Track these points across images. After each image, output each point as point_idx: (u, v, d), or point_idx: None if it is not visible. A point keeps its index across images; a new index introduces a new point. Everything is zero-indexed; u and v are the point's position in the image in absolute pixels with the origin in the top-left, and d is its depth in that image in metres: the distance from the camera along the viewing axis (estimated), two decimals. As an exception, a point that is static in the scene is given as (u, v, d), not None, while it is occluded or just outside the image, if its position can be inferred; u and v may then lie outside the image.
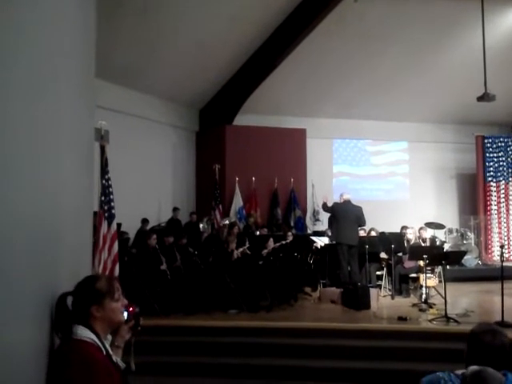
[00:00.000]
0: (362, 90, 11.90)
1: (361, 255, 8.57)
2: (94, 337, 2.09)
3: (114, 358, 2.18)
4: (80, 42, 2.82)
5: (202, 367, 5.74)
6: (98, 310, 2.13)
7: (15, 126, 1.79)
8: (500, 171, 13.00)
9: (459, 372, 2.26)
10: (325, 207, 9.15)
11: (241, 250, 8.16)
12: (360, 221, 8.64)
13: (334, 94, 12.10)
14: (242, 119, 12.33)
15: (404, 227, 9.73)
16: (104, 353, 2.11)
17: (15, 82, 1.79)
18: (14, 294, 1.76)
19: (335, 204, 8.95)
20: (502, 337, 2.24)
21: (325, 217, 11.41)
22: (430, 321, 6.53)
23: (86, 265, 2.95)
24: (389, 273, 8.84)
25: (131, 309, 2.32)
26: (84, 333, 2.08)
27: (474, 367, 1.89)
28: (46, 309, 2.10)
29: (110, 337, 2.26)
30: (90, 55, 3.18)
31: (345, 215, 8.59)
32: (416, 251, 8.06)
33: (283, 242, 8.89)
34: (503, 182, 12.98)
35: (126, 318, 2.28)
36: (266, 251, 8.45)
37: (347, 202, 8.76)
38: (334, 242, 8.76)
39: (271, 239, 8.85)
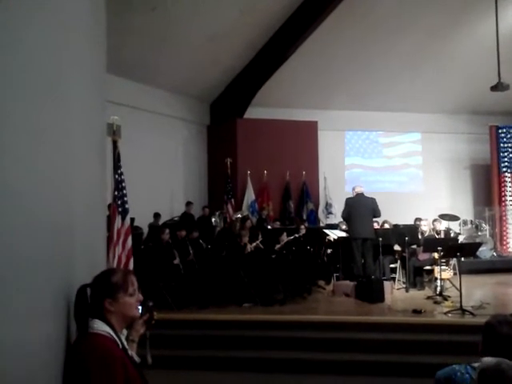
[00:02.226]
0: (373, 81, 11.80)
1: (374, 248, 8.52)
2: (110, 330, 2.10)
3: (129, 351, 2.19)
4: (90, 37, 2.82)
5: (216, 361, 5.76)
6: (112, 303, 2.13)
7: (26, 122, 1.79)
8: (515, 161, 12.84)
9: (475, 364, 2.25)
10: (342, 217, 8.92)
11: (254, 244, 8.16)
12: (375, 213, 8.48)
13: (345, 86, 12.01)
14: (253, 112, 12.30)
15: (418, 219, 9.68)
16: (120, 346, 2.12)
17: (25, 77, 1.78)
18: (30, 290, 1.76)
19: (348, 200, 8.65)
20: None
21: (338, 210, 11.35)
22: (445, 313, 6.49)
23: (100, 259, 2.96)
24: (403, 265, 8.79)
25: (145, 303, 2.33)
26: (100, 326, 2.09)
27: (488, 359, 1.86)
28: (62, 303, 2.11)
29: (125, 331, 2.27)
30: (101, 50, 3.17)
31: (359, 209, 8.38)
32: (430, 243, 7.99)
33: (296, 236, 8.88)
34: (518, 172, 12.82)
35: (140, 311, 2.29)
36: (278, 246, 8.44)
37: (360, 195, 8.57)
38: (348, 236, 8.67)
39: (285, 233, 8.84)
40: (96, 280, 2.20)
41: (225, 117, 12.42)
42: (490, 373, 1.80)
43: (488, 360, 1.87)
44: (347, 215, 8.52)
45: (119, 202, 5.45)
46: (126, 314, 2.19)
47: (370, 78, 11.74)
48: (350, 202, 8.55)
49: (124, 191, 5.54)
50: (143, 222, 9.50)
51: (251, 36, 10.55)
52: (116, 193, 5.46)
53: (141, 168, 9.83)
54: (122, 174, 5.54)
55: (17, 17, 1.73)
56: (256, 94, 11.88)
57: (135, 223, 8.76)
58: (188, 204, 11.19)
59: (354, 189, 8.79)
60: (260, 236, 8.44)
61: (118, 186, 5.49)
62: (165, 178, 11.18)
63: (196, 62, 10.57)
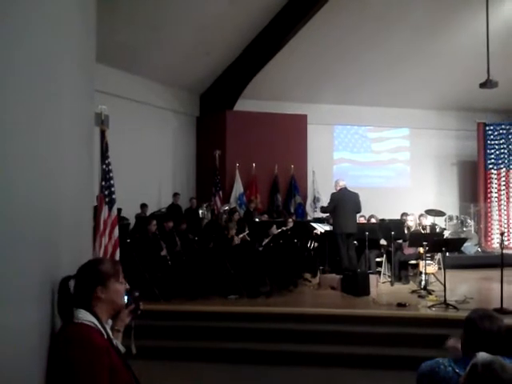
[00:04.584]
0: (363, 76, 11.82)
1: (360, 242, 8.57)
2: (95, 320, 2.11)
3: (114, 341, 2.19)
4: (79, 26, 2.79)
5: (201, 352, 5.77)
6: (103, 291, 2.16)
7: (14, 111, 1.78)
8: (501, 158, 12.96)
9: (458, 358, 2.27)
10: (324, 209, 8.98)
11: (241, 236, 8.17)
12: (358, 207, 8.54)
13: (335, 80, 12.02)
14: (242, 104, 12.27)
15: (404, 214, 9.74)
16: (105, 336, 2.12)
17: (12, 66, 1.76)
18: (15, 278, 1.76)
19: (334, 195, 8.57)
20: (498, 322, 2.24)
21: (325, 204, 11.36)
22: (429, 307, 6.56)
23: (86, 249, 2.95)
24: (388, 259, 8.86)
25: (131, 292, 2.34)
26: (85, 316, 2.10)
27: (484, 355, 1.86)
28: (47, 292, 2.11)
29: (110, 321, 2.28)
30: (91, 39, 3.14)
31: (343, 204, 8.35)
32: (416, 238, 8.07)
33: (284, 229, 8.90)
34: (504, 169, 12.95)
35: (126, 301, 2.31)
36: (266, 241, 8.43)
37: (344, 190, 8.54)
38: (332, 230, 8.69)
39: (274, 226, 8.85)
40: (84, 269, 2.21)
41: (214, 108, 12.38)
42: (480, 369, 1.81)
43: (483, 356, 1.86)
44: (332, 210, 8.53)
45: (106, 192, 5.42)
46: (116, 301, 2.23)
47: (360, 73, 11.76)
48: (336, 197, 8.51)
49: (111, 181, 5.51)
50: (130, 212, 9.46)
51: (242, 28, 10.50)
52: (103, 183, 5.43)
53: (128, 158, 9.76)
54: (109, 164, 5.50)
55: (4, 6, 1.71)
56: (246, 86, 11.84)
57: (122, 213, 8.72)
58: (175, 195, 11.17)
59: (337, 183, 8.70)
60: (247, 228, 8.44)
61: (106, 176, 5.46)
62: (153, 169, 11.12)
63: (186, 53, 10.51)
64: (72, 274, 2.19)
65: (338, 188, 8.61)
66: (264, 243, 8.41)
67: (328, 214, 9.79)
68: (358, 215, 9.00)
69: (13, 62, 1.75)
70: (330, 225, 9.31)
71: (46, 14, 2.12)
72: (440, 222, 11.30)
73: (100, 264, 2.24)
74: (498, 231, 12.46)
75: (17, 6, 1.79)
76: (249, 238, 8.29)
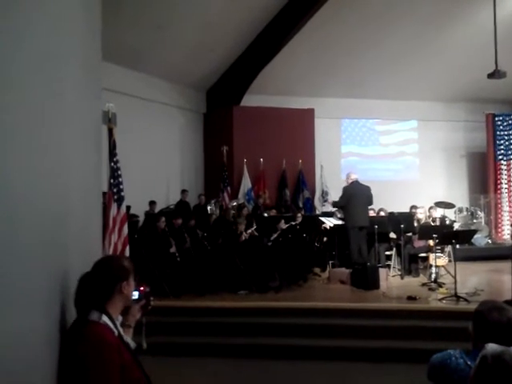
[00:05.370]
0: (370, 69, 11.75)
1: (370, 235, 8.54)
2: (105, 318, 2.12)
3: (125, 338, 2.20)
4: (83, 25, 2.80)
5: (211, 348, 5.80)
6: (125, 286, 2.21)
7: (23, 111, 1.78)
8: (511, 149, 12.86)
9: (469, 350, 2.26)
10: (337, 204, 8.87)
11: (249, 231, 8.17)
12: (370, 200, 8.50)
13: (342, 74, 11.95)
14: (249, 100, 12.25)
15: (413, 207, 9.66)
16: (116, 333, 2.13)
17: (13, 65, 1.76)
18: (20, 281, 1.74)
19: (347, 188, 8.49)
20: (508, 313, 2.23)
21: (334, 198, 11.31)
22: (440, 300, 6.54)
23: (96, 246, 2.96)
24: (398, 253, 8.82)
25: (142, 288, 2.36)
26: (96, 315, 2.11)
27: (494, 346, 1.84)
28: (55, 294, 2.11)
29: (120, 317, 2.29)
30: (96, 38, 3.15)
31: (356, 197, 8.29)
32: (426, 230, 8.03)
33: (292, 223, 8.89)
34: (514, 160, 12.85)
35: (137, 297, 2.32)
36: (274, 236, 8.42)
37: (356, 183, 8.49)
38: (344, 224, 8.65)
39: (282, 220, 8.84)
40: (105, 265, 2.23)
41: (221, 104, 12.37)
42: (490, 361, 1.80)
43: (493, 347, 1.85)
44: (345, 203, 8.45)
45: (115, 190, 5.44)
46: (131, 296, 2.28)
47: (367, 66, 11.68)
48: (349, 190, 8.41)
49: (120, 179, 5.52)
50: (139, 209, 9.48)
51: (247, 23, 10.46)
52: (112, 180, 5.44)
53: (136, 156, 9.80)
54: (117, 161, 5.51)
55: (6, 6, 1.71)
56: (253, 81, 11.82)
57: (131, 211, 8.75)
58: (183, 192, 11.19)
59: (348, 176, 8.63)
60: (254, 224, 8.44)
61: (114, 173, 5.47)
62: (160, 166, 11.15)
63: (192, 50, 10.50)
64: (81, 271, 2.20)
65: (350, 181, 8.53)
66: (273, 238, 8.41)
67: (337, 209, 9.76)
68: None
69: (13, 62, 1.74)
70: (339, 219, 9.30)
71: (48, 13, 2.11)
72: (450, 214, 11.22)
73: (122, 260, 2.30)
74: (508, 222, 12.39)
75: (18, 6, 1.79)
76: (257, 234, 8.29)
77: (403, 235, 8.51)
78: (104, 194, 5.09)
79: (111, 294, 2.16)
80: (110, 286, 2.17)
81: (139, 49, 9.81)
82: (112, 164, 5.46)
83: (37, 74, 1.96)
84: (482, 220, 12.14)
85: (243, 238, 7.98)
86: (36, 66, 1.96)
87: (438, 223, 8.98)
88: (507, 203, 12.80)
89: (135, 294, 2.32)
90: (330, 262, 9.02)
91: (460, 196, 13.01)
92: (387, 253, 9.10)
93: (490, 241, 11.76)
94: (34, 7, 1.94)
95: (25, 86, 1.84)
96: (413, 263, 8.62)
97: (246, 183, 12.09)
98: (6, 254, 1.61)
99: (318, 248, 9.45)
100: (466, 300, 6.35)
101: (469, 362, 2.19)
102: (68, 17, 2.44)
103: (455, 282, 6.62)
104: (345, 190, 8.54)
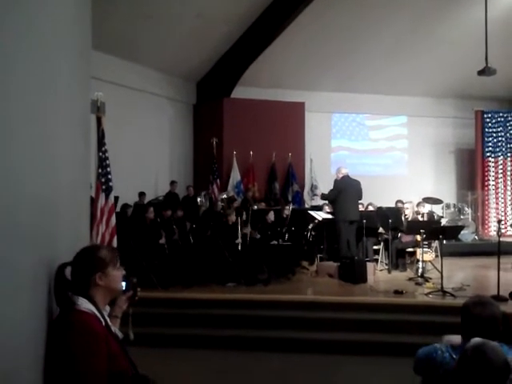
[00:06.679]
0: (361, 63, 11.75)
1: (358, 230, 8.57)
2: (92, 308, 2.11)
3: (112, 328, 2.20)
4: (75, 12, 2.76)
5: (199, 339, 5.79)
6: (101, 277, 2.17)
7: (10, 100, 1.75)
8: (499, 146, 12.96)
9: (455, 343, 2.28)
10: (326, 197, 8.84)
11: (249, 231, 8.13)
12: (360, 195, 8.52)
13: (333, 68, 11.94)
14: (240, 92, 12.19)
15: (399, 201, 9.62)
16: (103, 323, 2.13)
17: (7, 54, 1.73)
18: (12, 267, 1.74)
19: (338, 182, 8.49)
20: (492, 307, 2.25)
21: (323, 191, 11.34)
22: (426, 294, 6.58)
23: (83, 237, 2.94)
24: (386, 247, 8.87)
25: (129, 279, 2.35)
26: (83, 304, 2.10)
27: (475, 339, 1.88)
28: (42, 281, 2.09)
29: (108, 308, 2.28)
30: (86, 25, 3.11)
31: (347, 192, 8.30)
32: (413, 226, 8.08)
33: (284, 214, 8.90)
34: (501, 157, 12.96)
35: (124, 287, 2.31)
36: (258, 236, 8.41)
37: (346, 177, 8.49)
38: (334, 218, 8.65)
39: (272, 212, 8.85)
40: (82, 256, 2.20)
41: (211, 96, 12.31)
42: (470, 353, 1.82)
43: (474, 341, 1.88)
44: (335, 197, 8.46)
45: (103, 180, 5.39)
46: (114, 287, 2.24)
47: (358, 61, 11.68)
48: (340, 185, 8.42)
49: (108, 169, 5.47)
50: (127, 200, 9.43)
51: (239, 15, 10.40)
52: (100, 170, 5.39)
53: (125, 146, 9.73)
54: (106, 151, 5.45)
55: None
56: (243, 73, 11.76)
57: (122, 202, 8.71)
58: (172, 183, 11.16)
59: (339, 170, 8.62)
60: (244, 215, 8.41)
61: (102, 163, 5.41)
62: (150, 157, 11.09)
63: (183, 40, 10.42)
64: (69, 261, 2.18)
65: (341, 175, 8.52)
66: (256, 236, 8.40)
67: (325, 202, 9.76)
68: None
69: (9, 50, 1.72)
70: (328, 212, 9.30)
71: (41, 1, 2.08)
72: (437, 209, 11.30)
73: (98, 250, 2.24)
74: (495, 219, 12.48)
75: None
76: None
77: (391, 230, 8.53)
78: (92, 184, 5.05)
79: (88, 286, 2.14)
80: (85, 278, 2.15)
81: (129, 38, 9.72)
82: (100, 154, 5.41)
83: (25, 63, 1.92)
84: (469, 216, 12.24)
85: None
86: (31, 54, 1.93)
87: (425, 219, 9.04)
88: (494, 200, 12.93)
89: (122, 284, 2.31)
90: (319, 255, 9.04)
91: (448, 192, 13.10)
92: (375, 247, 9.15)
93: (476, 237, 11.87)
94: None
95: (21, 71, 1.81)
96: (400, 258, 8.68)
97: (235, 176, 12.07)
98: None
99: (307, 241, 9.46)
100: (451, 295, 6.40)
101: (454, 356, 2.21)
102: (58, 4, 2.40)
103: (441, 277, 6.67)
104: (335, 183, 8.55)
